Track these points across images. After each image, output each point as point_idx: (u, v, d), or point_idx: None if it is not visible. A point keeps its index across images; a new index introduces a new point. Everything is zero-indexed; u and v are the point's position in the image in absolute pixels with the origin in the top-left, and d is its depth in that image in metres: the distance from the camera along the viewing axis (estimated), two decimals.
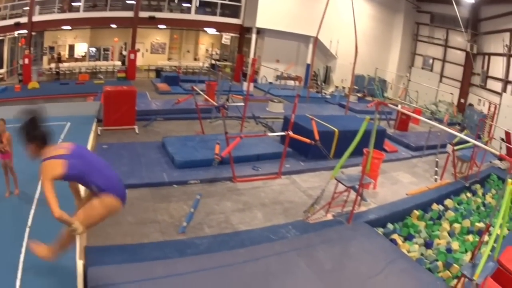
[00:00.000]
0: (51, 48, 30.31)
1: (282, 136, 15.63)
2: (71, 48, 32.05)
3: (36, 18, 25.69)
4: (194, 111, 17.40)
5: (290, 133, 13.31)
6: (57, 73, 29.54)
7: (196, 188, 12.16)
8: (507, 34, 25.78)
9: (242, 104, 18.57)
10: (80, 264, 7.20)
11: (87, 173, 5.38)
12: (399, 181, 15.67)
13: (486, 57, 28.94)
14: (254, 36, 32.10)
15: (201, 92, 17.24)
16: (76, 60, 32.16)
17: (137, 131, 16.61)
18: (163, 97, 23.86)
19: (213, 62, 37.23)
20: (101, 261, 7.69)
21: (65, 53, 31.41)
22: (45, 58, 30.04)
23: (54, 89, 24.55)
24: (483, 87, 28.80)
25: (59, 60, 30.25)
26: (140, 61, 33.75)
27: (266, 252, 9.17)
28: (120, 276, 7.28)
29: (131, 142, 15.15)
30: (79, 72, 30.65)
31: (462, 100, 31.11)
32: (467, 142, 16.17)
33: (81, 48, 32.70)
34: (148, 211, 10.50)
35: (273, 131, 18.06)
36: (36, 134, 5.21)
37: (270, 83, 33.11)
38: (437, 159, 17.56)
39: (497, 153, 10.39)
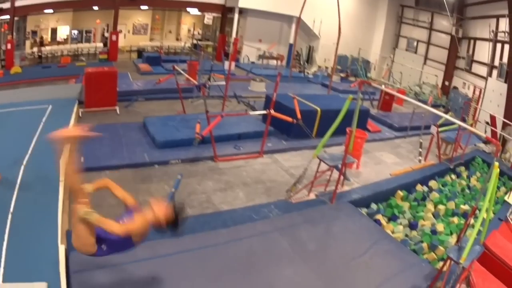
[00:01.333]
0: (34, 33, 29.53)
1: (264, 115, 15.34)
2: (54, 31, 31.23)
3: (19, 3, 24.98)
4: (176, 91, 17.05)
5: (272, 111, 13.10)
6: (39, 57, 28.90)
7: (177, 168, 11.88)
8: (494, 20, 25.50)
9: (224, 83, 18.21)
10: (62, 248, 7.01)
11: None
12: (383, 161, 15.54)
13: (472, 41, 28.72)
14: (236, 16, 31.55)
15: (182, 72, 16.85)
16: (59, 43, 31.46)
17: (118, 112, 16.21)
18: (145, 77, 23.38)
19: (195, 42, 36.78)
20: None
21: (47, 37, 30.65)
22: (28, 43, 29.33)
23: (36, 73, 23.89)
24: (468, 70, 28.66)
25: (41, 44, 29.59)
26: (122, 42, 33.12)
27: (248, 232, 9.01)
28: (102, 260, 6.85)
29: (112, 123, 14.77)
30: (62, 55, 29.98)
31: (447, 83, 30.97)
32: (452, 124, 16.26)
33: (63, 31, 31.95)
34: (129, 192, 10.10)
35: (255, 110, 17.78)
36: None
37: (253, 62, 32.59)
38: (421, 140, 17.38)
39: (484, 135, 10.28)
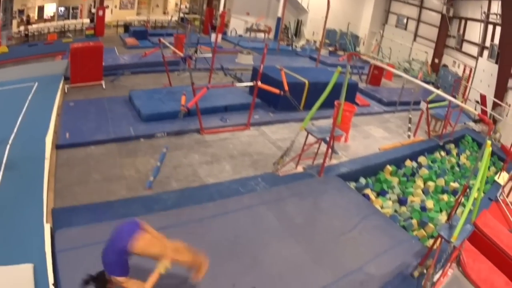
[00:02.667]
0: (21, 12, 28.97)
1: (250, 87, 15.10)
2: (41, 9, 30.59)
3: None
4: (162, 64, 16.68)
5: (259, 83, 12.79)
6: (26, 35, 28.25)
7: (163, 141, 11.56)
8: (486, 2, 25.01)
9: (210, 55, 17.87)
10: (47, 227, 6.85)
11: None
12: (371, 135, 15.32)
13: (463, 21, 28.27)
14: None
15: (168, 44, 16.38)
16: (45, 21, 30.74)
17: (104, 86, 15.78)
18: (131, 51, 22.82)
19: (182, 16, 36.22)
20: (69, 223, 7.29)
21: (34, 15, 29.99)
22: (15, 22, 28.68)
23: (23, 52, 23.26)
24: (459, 49, 28.25)
25: (28, 22, 28.92)
26: (108, 18, 32.44)
27: (235, 206, 8.80)
28: (87, 238, 6.86)
29: (98, 98, 14.36)
30: (48, 32, 29.33)
31: (436, 61, 30.55)
32: (442, 101, 16.05)
33: (50, 9, 31.17)
34: (114, 167, 9.93)
35: (241, 82, 17.42)
36: (101, 283, 5.21)
37: (240, 36, 32.05)
38: (410, 116, 17.19)
39: (476, 112, 10.05)
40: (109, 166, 9.91)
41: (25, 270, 5.85)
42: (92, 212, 7.85)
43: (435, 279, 7.47)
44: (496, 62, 22.06)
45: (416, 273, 8.07)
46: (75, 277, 5.81)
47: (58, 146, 10.30)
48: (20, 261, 5.99)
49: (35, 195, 7.76)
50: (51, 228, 6.93)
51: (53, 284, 5.77)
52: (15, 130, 10.52)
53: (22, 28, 28.41)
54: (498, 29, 22.77)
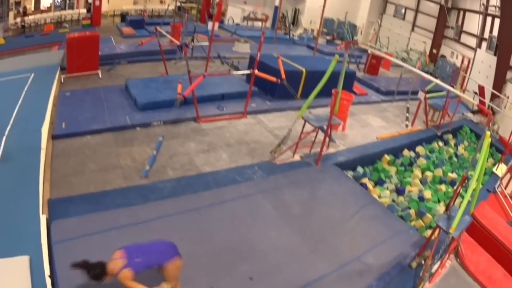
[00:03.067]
0: (17, 3, 28.76)
1: (247, 75, 14.91)
2: (37, 0, 30.24)
3: None
4: (158, 53, 16.52)
5: (256, 71, 12.65)
6: (22, 27, 28.03)
7: (159, 130, 11.47)
8: None
9: (207, 44, 17.75)
10: (43, 218, 6.78)
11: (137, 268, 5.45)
12: (369, 124, 15.22)
13: (461, 12, 27.88)
14: None
15: (165, 33, 16.25)
16: (42, 12, 30.47)
17: (100, 75, 15.60)
18: (128, 41, 22.46)
19: (179, 4, 35.96)
20: (65, 214, 7.20)
21: (31, 6, 29.73)
22: (11, 14, 28.52)
23: (19, 43, 23.14)
24: (457, 40, 27.95)
25: (25, 13, 28.67)
26: (105, 7, 31.98)
27: (231, 194, 8.70)
28: (83, 228, 6.81)
29: (94, 87, 14.20)
30: (45, 23, 29.06)
31: (434, 51, 30.18)
32: (440, 91, 15.93)
33: (47, 0, 31.01)
34: (110, 156, 9.82)
35: (238, 71, 17.30)
36: (98, 273, 5.31)
37: (237, 24, 31.72)
38: (408, 105, 17.06)
39: (475, 102, 9.95)
40: (105, 156, 9.81)
41: (21, 262, 5.80)
42: (88, 202, 7.76)
43: (433, 270, 7.40)
44: (495, 54, 21.90)
45: (414, 264, 8.00)
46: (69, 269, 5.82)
47: (54, 137, 10.19)
48: (16, 253, 5.93)
49: (31, 186, 7.68)
50: (47, 219, 6.85)
51: (49, 276, 5.69)
52: (11, 122, 10.43)
53: (18, 19, 28.20)
54: (497, 21, 22.54)
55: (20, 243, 6.22)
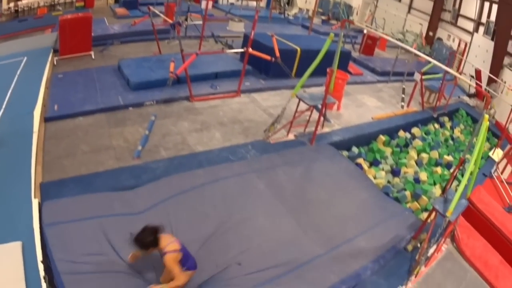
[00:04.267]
0: None
1: (242, 54, 14.71)
2: None
3: None
4: (152, 33, 16.22)
5: (250, 49, 12.41)
6: (16, 11, 27.72)
7: (152, 109, 11.21)
8: None
9: (201, 22, 17.49)
10: (35, 202, 6.67)
11: (185, 259, 5.78)
12: (364, 104, 15.01)
13: None
14: None
15: (157, 12, 15.96)
16: None
17: (93, 56, 15.29)
18: (121, 21, 21.94)
19: None
20: (57, 197, 7.02)
21: None
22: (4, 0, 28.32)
23: (12, 28, 22.76)
24: (454, 24, 27.47)
25: None
26: None
27: (224, 173, 8.51)
28: (74, 210, 6.68)
29: (87, 69, 13.89)
30: (38, 7, 28.73)
31: (431, 33, 29.73)
32: (436, 73, 15.73)
33: None
34: (103, 137, 9.61)
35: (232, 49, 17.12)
36: (149, 241, 5.56)
37: (232, 4, 31.30)
38: (404, 86, 16.88)
39: (473, 84, 9.75)
40: (98, 137, 9.61)
41: (14, 249, 5.70)
42: (80, 184, 7.59)
43: (429, 254, 7.30)
44: (492, 39, 21.65)
45: (409, 247, 7.91)
46: (63, 251, 5.79)
47: (46, 119, 9.97)
48: (8, 239, 5.83)
49: (23, 170, 7.55)
50: (39, 203, 6.71)
51: (42, 261, 5.59)
52: (3, 106, 10.25)
53: (12, 4, 27.87)
54: (495, 6, 22.23)
55: (13, 229, 6.11)
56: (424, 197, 10.32)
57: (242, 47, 14.10)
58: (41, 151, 8.59)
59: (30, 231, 6.03)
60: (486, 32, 22.74)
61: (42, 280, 5.32)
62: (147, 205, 7.28)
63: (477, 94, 20.16)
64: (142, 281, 5.79)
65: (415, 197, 10.47)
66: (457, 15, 27.15)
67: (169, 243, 5.65)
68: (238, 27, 22.16)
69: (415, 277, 7.03)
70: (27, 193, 6.89)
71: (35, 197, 6.82)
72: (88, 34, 15.44)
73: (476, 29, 24.38)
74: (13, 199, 6.80)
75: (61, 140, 9.19)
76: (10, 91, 11.16)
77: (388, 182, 11.07)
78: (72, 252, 5.83)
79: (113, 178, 7.98)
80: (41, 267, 5.49)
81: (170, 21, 15.80)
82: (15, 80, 11.90)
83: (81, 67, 14.11)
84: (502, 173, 12.75)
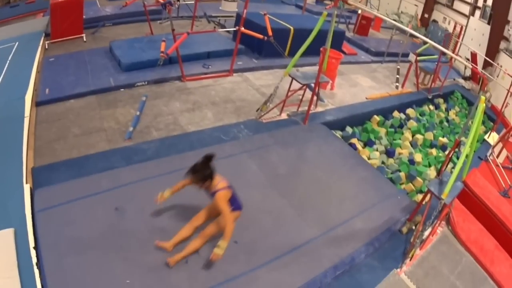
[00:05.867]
0: None
1: (234, 33, 14.47)
2: None
3: None
4: (144, 14, 15.92)
5: (242, 28, 12.19)
6: None
7: (143, 90, 11.01)
8: None
9: (193, 2, 17.09)
10: (27, 188, 6.53)
11: (233, 198, 5.93)
12: (358, 84, 14.79)
13: None
14: None
15: None
16: None
17: (85, 39, 15.00)
18: (113, 3, 21.32)
19: None
20: (49, 181, 6.89)
21: None
22: None
23: (4, 14, 22.08)
24: (450, 6, 27.00)
25: None
26: None
27: (216, 154, 8.31)
28: (66, 195, 6.53)
29: (78, 51, 13.63)
30: None
31: (426, 15, 29.28)
32: (431, 55, 15.54)
33: None
34: (94, 119, 9.40)
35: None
36: (208, 173, 5.68)
37: None
38: (398, 67, 16.67)
39: (469, 65, 9.57)
40: (89, 119, 9.41)
41: (6, 236, 5.59)
42: (72, 168, 7.44)
43: (424, 236, 7.16)
44: (488, 23, 21.34)
45: (404, 229, 7.76)
46: (55, 236, 5.71)
47: (38, 103, 9.75)
48: (0, 226, 5.72)
49: (15, 156, 7.37)
50: (30, 189, 6.59)
51: (34, 247, 5.49)
52: None
53: None
54: None
55: (5, 215, 6.00)
56: (419, 179, 10.20)
57: (235, 27, 13.92)
58: (33, 135, 8.42)
59: (23, 217, 5.92)
60: (482, 16, 22.35)
61: (35, 267, 5.23)
62: (134, 179, 7.23)
63: (473, 77, 19.95)
64: (128, 259, 5.69)
65: (410, 178, 10.34)
66: None
67: (219, 181, 5.75)
68: (231, 7, 21.74)
69: (410, 260, 6.92)
70: (19, 178, 6.74)
71: (26, 183, 6.67)
72: (80, 17, 15.13)
73: (472, 13, 23.96)
74: (5, 185, 6.67)
75: (53, 124, 9.00)
76: (1, 77, 10.94)
77: (383, 163, 10.95)
78: (59, 237, 5.74)
79: (104, 160, 7.82)
80: (33, 253, 5.40)
81: (162, 1, 15.56)
82: (6, 66, 11.65)
83: (73, 50, 13.85)
84: (497, 157, 12.61)
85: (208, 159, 5.69)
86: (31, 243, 5.53)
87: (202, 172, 5.61)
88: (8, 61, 12.01)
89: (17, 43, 13.69)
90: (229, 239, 5.42)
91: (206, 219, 6.12)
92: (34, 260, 5.31)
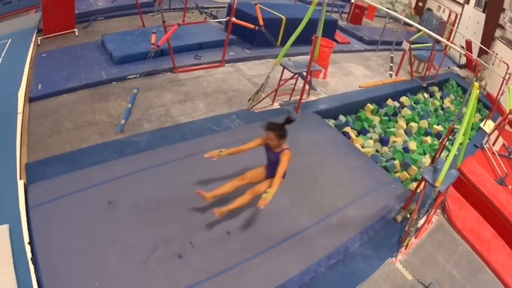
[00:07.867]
0: None
1: (226, 24, 14.21)
2: None
3: None
4: (135, 7, 15.71)
5: (233, 18, 11.97)
6: None
7: (135, 83, 10.81)
8: None
9: None
10: (21, 184, 6.50)
11: None
12: (352, 72, 14.62)
13: None
14: None
15: None
16: None
17: (77, 33, 14.76)
18: None
19: None
20: (42, 176, 6.81)
21: None
22: None
23: None
24: None
25: None
26: None
27: (208, 145, 8.06)
28: (59, 190, 6.47)
29: (70, 46, 13.42)
30: None
31: (420, 4, 29.12)
32: (425, 43, 15.42)
33: None
34: (86, 113, 9.26)
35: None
36: (285, 133, 6.08)
37: None
38: (392, 55, 16.46)
39: (463, 52, 9.45)
40: (81, 113, 9.27)
41: (1, 232, 5.55)
42: (65, 162, 7.36)
43: (419, 225, 7.07)
44: (484, 11, 21.17)
45: (399, 218, 7.63)
46: (50, 231, 5.67)
47: (31, 99, 9.61)
48: None
49: (8, 152, 7.30)
50: (24, 184, 6.53)
51: (29, 243, 5.45)
52: None
53: None
54: None
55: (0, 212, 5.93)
56: (413, 167, 10.08)
57: (227, 17, 13.80)
58: (26, 131, 8.32)
59: (17, 213, 5.88)
60: (477, 4, 22.21)
61: (30, 262, 5.19)
62: (126, 172, 7.14)
63: (468, 65, 19.84)
64: (123, 253, 5.63)
65: (405, 166, 10.23)
66: None
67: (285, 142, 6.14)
68: None
69: (405, 248, 6.84)
70: (13, 175, 6.69)
71: (20, 179, 6.61)
72: (71, 12, 14.90)
73: (467, 1, 23.76)
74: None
75: (45, 119, 8.88)
76: None
77: (377, 151, 10.82)
78: (53, 232, 5.70)
79: (97, 154, 7.72)
80: (28, 248, 5.36)
81: None
82: None
83: (65, 44, 13.65)
84: (493, 145, 12.52)
85: (289, 121, 6.13)
86: (26, 239, 5.50)
87: (283, 130, 6.02)
88: (1, 58, 11.87)
89: (10, 40, 13.52)
90: (277, 189, 5.66)
91: (248, 182, 6.47)
92: (29, 255, 5.28)
